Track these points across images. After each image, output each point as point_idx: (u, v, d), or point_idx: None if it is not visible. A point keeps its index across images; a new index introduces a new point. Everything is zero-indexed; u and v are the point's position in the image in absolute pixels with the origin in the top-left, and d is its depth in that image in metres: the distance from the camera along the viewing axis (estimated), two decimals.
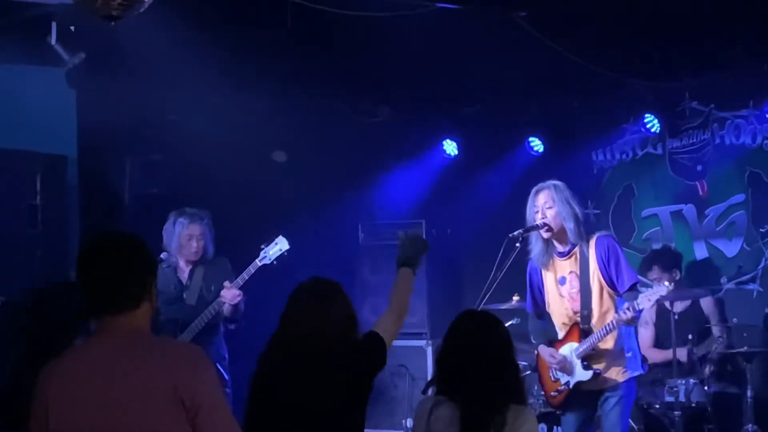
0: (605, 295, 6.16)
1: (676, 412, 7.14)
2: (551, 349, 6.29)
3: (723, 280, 8.46)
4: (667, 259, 8.17)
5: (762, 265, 8.25)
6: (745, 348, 7.51)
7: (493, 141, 9.68)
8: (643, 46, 7.67)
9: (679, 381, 7.28)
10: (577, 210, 6.18)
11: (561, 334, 6.34)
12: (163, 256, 7.20)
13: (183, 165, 8.18)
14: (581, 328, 6.18)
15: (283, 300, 4.31)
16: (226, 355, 7.32)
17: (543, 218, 6.17)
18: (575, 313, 6.23)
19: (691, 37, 7.46)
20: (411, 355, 9.32)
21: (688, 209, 8.87)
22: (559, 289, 6.30)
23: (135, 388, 3.11)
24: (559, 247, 6.28)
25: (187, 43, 6.96)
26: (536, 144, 9.52)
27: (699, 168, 8.81)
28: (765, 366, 7.86)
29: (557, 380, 6.34)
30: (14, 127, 7.55)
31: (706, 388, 7.40)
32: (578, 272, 6.18)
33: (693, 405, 7.28)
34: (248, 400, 4.23)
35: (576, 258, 6.21)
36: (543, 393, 6.65)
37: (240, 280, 7.07)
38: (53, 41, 7.18)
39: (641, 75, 8.42)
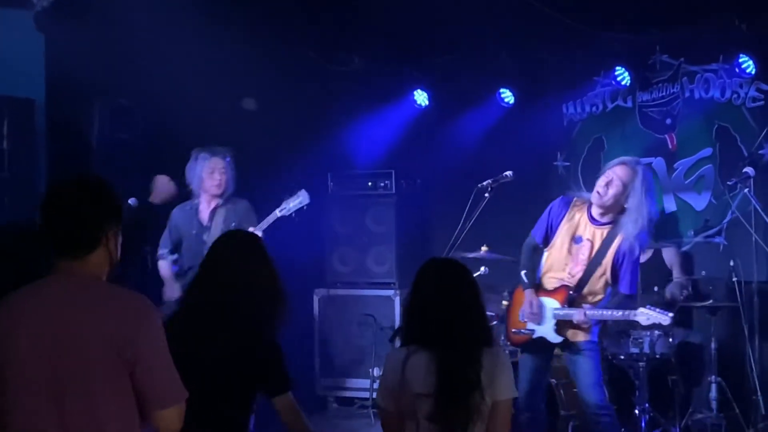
0: (603, 280, 6.25)
1: (640, 363, 7.20)
2: (536, 298, 6.34)
3: (690, 233, 8.52)
4: None
5: (727, 218, 8.30)
6: (711, 301, 7.59)
7: (464, 92, 9.66)
8: None
9: (644, 332, 7.33)
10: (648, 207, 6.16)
11: (549, 285, 6.39)
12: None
13: (152, 111, 8.10)
14: (569, 293, 6.26)
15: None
16: None
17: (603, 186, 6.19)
18: (572, 276, 6.28)
19: None
20: (378, 304, 9.36)
21: (658, 162, 8.90)
22: (571, 245, 6.31)
23: (76, 334, 3.11)
24: (597, 215, 6.30)
25: None
26: (507, 96, 9.51)
27: (668, 121, 8.86)
28: (729, 318, 7.94)
29: (524, 323, 6.41)
30: None
31: (670, 339, 7.45)
32: (596, 246, 6.22)
33: (657, 356, 7.34)
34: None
35: (603, 234, 6.23)
36: (505, 327, 6.73)
37: (259, 229, 7.02)
38: None
39: (613, 28, 8.41)
